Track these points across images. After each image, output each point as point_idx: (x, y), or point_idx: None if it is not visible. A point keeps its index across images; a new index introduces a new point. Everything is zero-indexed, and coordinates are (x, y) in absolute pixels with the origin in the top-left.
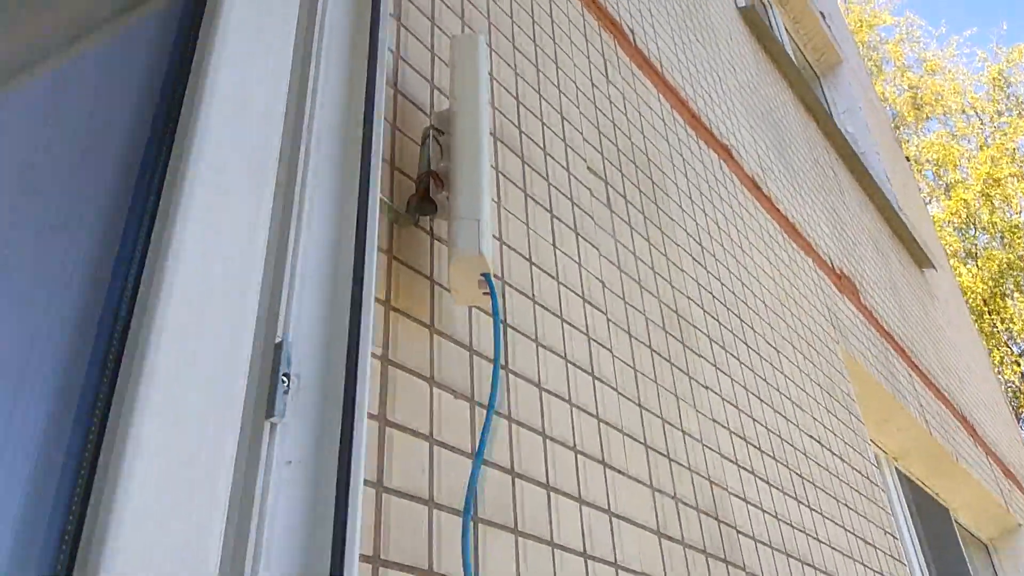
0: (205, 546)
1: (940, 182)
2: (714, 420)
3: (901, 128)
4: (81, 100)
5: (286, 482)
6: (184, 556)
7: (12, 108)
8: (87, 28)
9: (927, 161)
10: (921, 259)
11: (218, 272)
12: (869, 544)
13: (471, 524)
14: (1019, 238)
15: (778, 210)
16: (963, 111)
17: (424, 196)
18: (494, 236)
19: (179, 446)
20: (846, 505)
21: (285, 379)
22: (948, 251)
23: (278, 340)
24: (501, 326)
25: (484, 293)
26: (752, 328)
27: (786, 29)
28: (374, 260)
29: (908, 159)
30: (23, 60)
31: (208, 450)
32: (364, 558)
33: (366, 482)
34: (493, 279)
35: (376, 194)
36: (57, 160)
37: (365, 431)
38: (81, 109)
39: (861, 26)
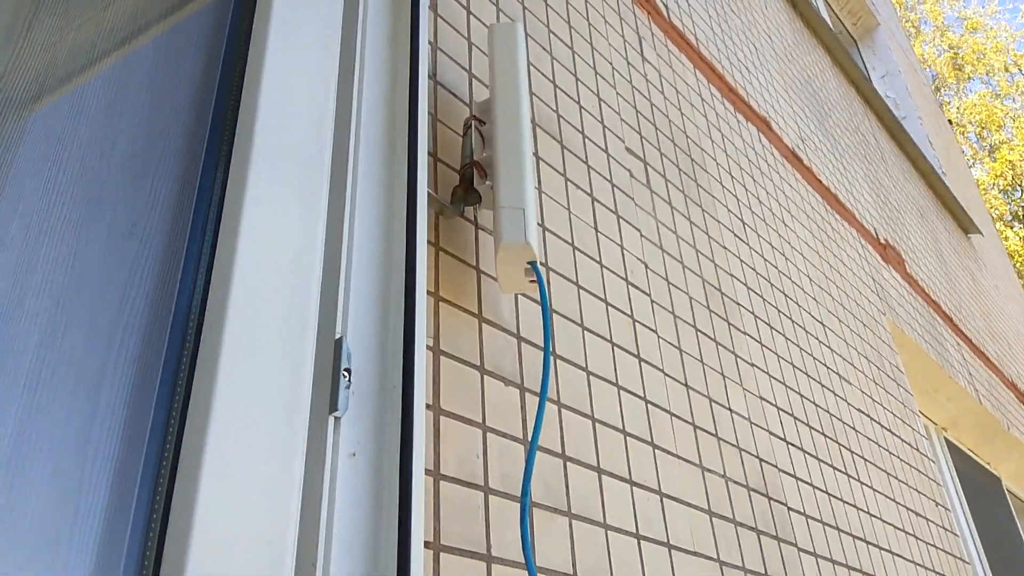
0: (283, 536)
1: (984, 144)
2: (761, 398)
3: (942, 90)
4: (136, 99)
5: (350, 474)
6: (265, 545)
7: (74, 104)
8: (142, 24)
9: (970, 123)
10: (967, 224)
11: (281, 274)
12: (920, 516)
13: (529, 508)
14: None
15: (819, 181)
16: (1006, 69)
17: (468, 187)
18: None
19: (256, 444)
20: (896, 478)
21: (346, 374)
22: (994, 215)
23: (337, 336)
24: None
25: (531, 281)
26: (797, 303)
27: None
28: (424, 253)
29: (951, 122)
30: (82, 58)
31: (282, 446)
32: (426, 544)
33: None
34: (539, 267)
35: (424, 187)
36: (119, 159)
37: (424, 422)
38: (137, 109)
39: None
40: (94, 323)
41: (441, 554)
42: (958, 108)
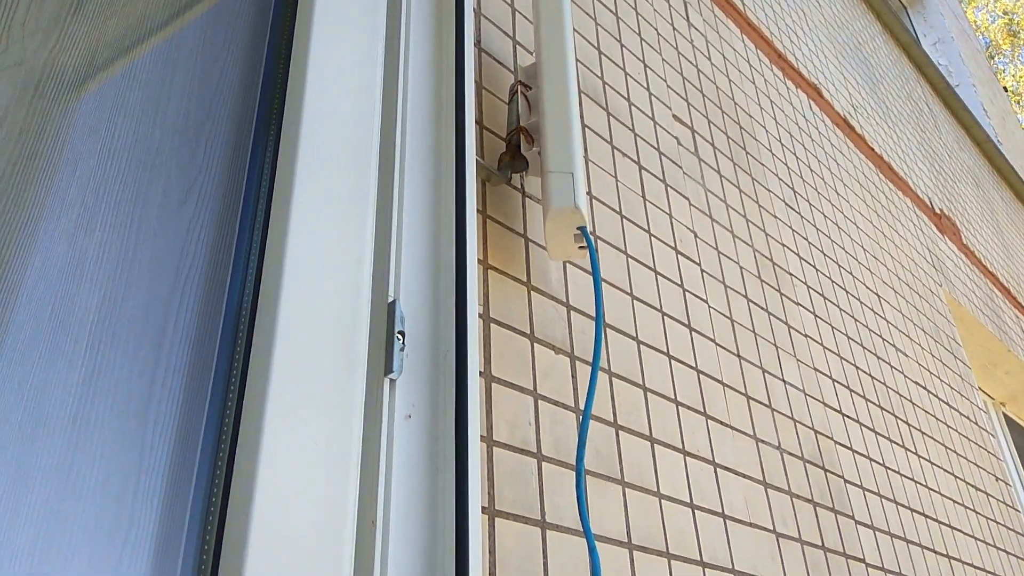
0: (345, 492)
1: None
2: (816, 369)
3: (996, 58)
4: (188, 75)
5: (406, 435)
6: (327, 501)
7: (128, 75)
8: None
9: None
10: None
11: (334, 237)
12: (980, 490)
13: (584, 475)
14: None
15: (872, 149)
16: None
17: (515, 153)
18: None
19: (315, 403)
20: (955, 451)
21: (400, 336)
22: None
23: (390, 299)
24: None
25: (580, 247)
26: (851, 273)
27: None
28: (474, 219)
29: (1006, 90)
30: (129, 38)
31: (341, 406)
32: (481, 509)
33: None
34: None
35: (472, 154)
36: (175, 133)
37: (478, 386)
38: (190, 84)
39: None
40: (152, 286)
41: (496, 519)
42: (1014, 76)
